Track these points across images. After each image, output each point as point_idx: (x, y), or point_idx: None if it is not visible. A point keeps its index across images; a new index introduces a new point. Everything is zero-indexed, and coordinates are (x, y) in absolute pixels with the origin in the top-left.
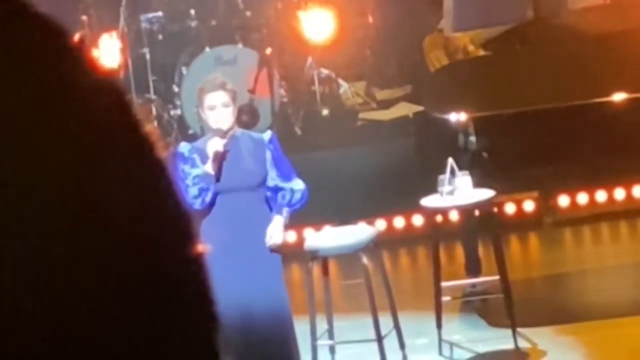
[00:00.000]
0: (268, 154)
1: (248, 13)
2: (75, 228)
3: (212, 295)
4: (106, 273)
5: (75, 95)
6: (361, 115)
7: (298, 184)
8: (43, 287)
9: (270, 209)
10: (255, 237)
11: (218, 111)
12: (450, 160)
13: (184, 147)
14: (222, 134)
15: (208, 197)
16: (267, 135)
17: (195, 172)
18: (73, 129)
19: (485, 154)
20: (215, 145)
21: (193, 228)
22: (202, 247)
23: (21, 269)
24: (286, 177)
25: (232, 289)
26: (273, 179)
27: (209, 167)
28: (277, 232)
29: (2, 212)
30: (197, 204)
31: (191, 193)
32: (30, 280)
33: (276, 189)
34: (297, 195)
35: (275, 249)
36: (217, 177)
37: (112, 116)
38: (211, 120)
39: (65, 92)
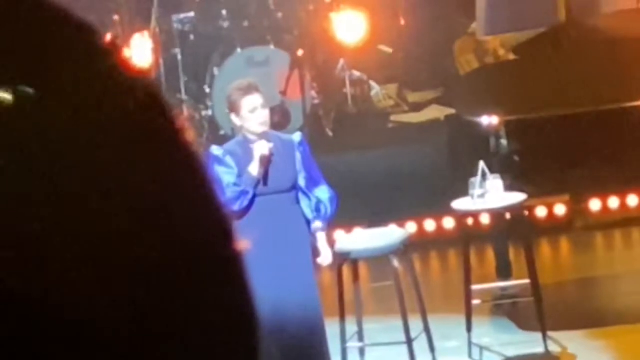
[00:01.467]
0: (298, 156)
1: (280, 14)
2: (117, 230)
3: (252, 295)
4: (148, 276)
5: (109, 94)
6: (392, 117)
7: (328, 193)
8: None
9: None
10: (289, 238)
11: (259, 113)
12: (482, 164)
13: (217, 150)
14: (265, 136)
15: (247, 201)
16: (297, 137)
17: (229, 177)
18: (109, 129)
19: (516, 157)
20: (262, 148)
21: (233, 228)
22: (242, 246)
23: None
24: (315, 182)
25: (267, 290)
26: (303, 181)
27: (253, 170)
28: (328, 250)
29: (49, 216)
30: (235, 207)
31: (229, 196)
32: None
33: (306, 194)
34: (331, 207)
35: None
36: (265, 181)
37: (148, 115)
38: (251, 123)
39: (99, 91)
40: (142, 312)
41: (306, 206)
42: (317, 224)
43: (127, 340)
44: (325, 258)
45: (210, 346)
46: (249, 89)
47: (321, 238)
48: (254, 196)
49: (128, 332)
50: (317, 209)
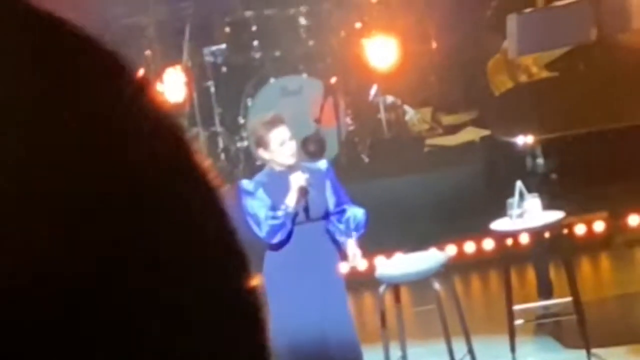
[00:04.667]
0: (328, 184)
1: (311, 42)
2: (132, 262)
3: (266, 328)
4: (160, 307)
5: (138, 133)
6: (428, 141)
7: (357, 209)
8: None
9: (331, 237)
10: (321, 266)
11: (287, 145)
12: (519, 183)
13: (247, 183)
14: (295, 167)
15: (285, 233)
16: (324, 165)
17: (264, 210)
18: (132, 167)
19: (553, 176)
20: (299, 180)
21: (248, 262)
22: (258, 280)
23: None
24: (345, 204)
25: (302, 317)
26: (333, 207)
27: (291, 202)
28: (358, 252)
29: (63, 240)
30: (274, 240)
31: (265, 229)
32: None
33: (338, 216)
34: (361, 219)
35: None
36: (305, 212)
37: (172, 154)
38: (281, 156)
39: (128, 128)
40: (156, 340)
41: (337, 230)
42: (351, 235)
43: None
44: (354, 258)
45: None
46: (274, 122)
47: (353, 243)
48: (292, 227)
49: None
50: (348, 227)
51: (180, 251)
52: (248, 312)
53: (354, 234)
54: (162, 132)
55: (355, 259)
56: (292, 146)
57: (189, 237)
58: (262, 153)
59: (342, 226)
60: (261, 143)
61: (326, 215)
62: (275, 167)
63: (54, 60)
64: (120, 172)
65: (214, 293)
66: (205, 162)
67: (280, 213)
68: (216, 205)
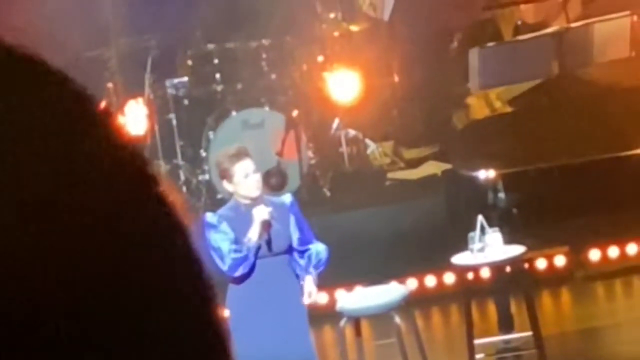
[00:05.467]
0: (292, 217)
1: (273, 76)
2: (95, 299)
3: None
4: (125, 341)
5: (100, 165)
6: (390, 174)
7: (320, 247)
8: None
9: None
10: (284, 300)
11: (252, 178)
12: (480, 217)
13: (211, 217)
14: (259, 200)
15: (248, 267)
16: (288, 198)
17: (227, 244)
18: (96, 199)
19: (514, 210)
20: (262, 213)
21: (214, 294)
22: (224, 312)
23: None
24: (308, 241)
25: (265, 351)
26: (296, 242)
27: (254, 235)
28: (314, 290)
29: (24, 280)
30: (237, 273)
31: (228, 262)
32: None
33: (300, 252)
34: (323, 256)
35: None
36: (269, 246)
37: (136, 187)
38: (244, 189)
39: (90, 161)
40: None
41: (298, 266)
42: (310, 272)
43: None
44: (309, 296)
45: None
46: (239, 155)
47: (311, 280)
48: (255, 261)
49: None
50: (309, 263)
51: (144, 282)
52: (215, 343)
53: (313, 270)
54: (126, 162)
55: (310, 297)
56: (256, 179)
57: (154, 267)
58: (226, 185)
59: (302, 262)
60: (225, 175)
61: (289, 250)
62: (240, 200)
63: (15, 91)
64: (81, 202)
65: (180, 324)
66: (170, 192)
67: (243, 247)
68: (182, 235)
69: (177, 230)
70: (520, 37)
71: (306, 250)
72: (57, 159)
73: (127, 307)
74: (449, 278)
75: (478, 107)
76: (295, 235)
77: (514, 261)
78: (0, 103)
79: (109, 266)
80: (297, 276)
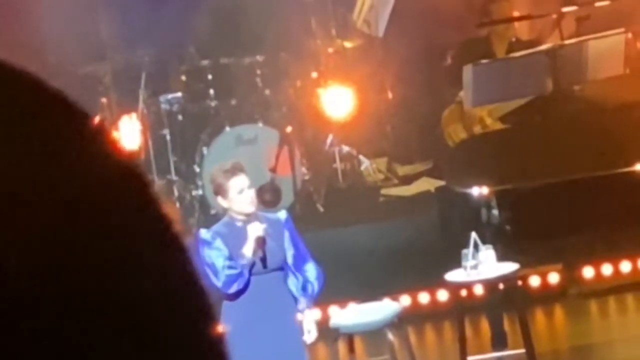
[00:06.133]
0: (286, 234)
1: (267, 92)
2: (96, 312)
3: None
4: (124, 354)
5: (96, 178)
6: (383, 191)
7: (315, 270)
8: None
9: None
10: (279, 317)
11: (246, 194)
12: (474, 235)
13: (205, 233)
14: (253, 216)
15: (242, 283)
16: (283, 215)
17: (221, 260)
18: (94, 212)
19: (508, 227)
20: (256, 230)
21: (214, 310)
22: (222, 327)
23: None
24: (303, 259)
25: None
26: (291, 259)
27: (248, 252)
28: (314, 327)
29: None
30: (231, 290)
31: (222, 279)
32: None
33: (294, 271)
34: (318, 285)
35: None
36: (264, 262)
37: (133, 199)
38: (240, 204)
39: (86, 174)
40: None
41: (293, 284)
42: (303, 303)
43: None
44: (311, 336)
45: None
46: (234, 171)
47: (307, 316)
48: (249, 277)
49: None
50: (304, 288)
51: (144, 298)
52: (215, 358)
53: (307, 301)
54: (123, 174)
55: (310, 335)
56: (250, 194)
57: (154, 281)
58: (220, 201)
59: (297, 281)
60: (220, 191)
61: (284, 266)
62: (234, 216)
63: (10, 106)
64: (81, 211)
65: (181, 339)
66: (165, 204)
67: (237, 263)
68: (179, 248)
69: (174, 240)
70: (514, 54)
71: (299, 273)
72: (50, 173)
73: (130, 322)
74: (443, 295)
75: (459, 130)
76: (289, 252)
77: (508, 278)
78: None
79: (106, 276)
80: (291, 292)
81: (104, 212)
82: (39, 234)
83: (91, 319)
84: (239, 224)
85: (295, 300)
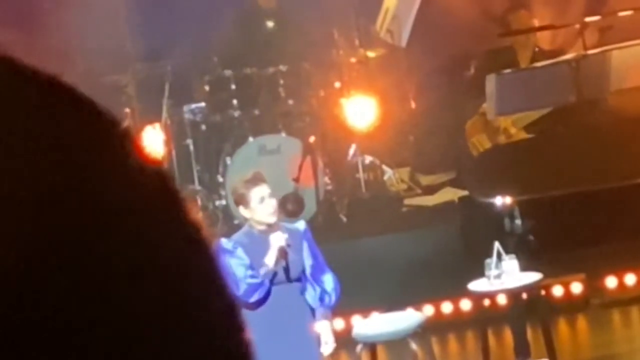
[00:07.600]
0: (305, 245)
1: (290, 102)
2: (126, 318)
3: None
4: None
5: (124, 183)
6: (406, 201)
7: (332, 282)
8: None
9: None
10: (297, 326)
11: (267, 203)
12: (497, 244)
13: (226, 242)
14: (275, 226)
15: (263, 293)
16: (302, 225)
17: (242, 269)
18: (124, 218)
19: (531, 237)
20: (279, 240)
21: (242, 318)
22: (251, 336)
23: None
24: (321, 270)
25: None
26: (309, 270)
27: (270, 261)
28: (331, 338)
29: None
30: (252, 299)
31: (243, 288)
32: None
33: (314, 285)
34: (335, 296)
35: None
36: (287, 273)
37: (162, 204)
38: (261, 214)
39: (114, 179)
40: None
41: (311, 296)
42: (321, 313)
43: None
44: (328, 347)
45: None
46: (255, 180)
47: (324, 327)
48: (270, 287)
49: None
50: (322, 299)
51: (173, 304)
52: None
53: (324, 312)
54: (152, 180)
55: (327, 346)
56: (272, 204)
57: (185, 288)
58: (242, 211)
59: (314, 293)
60: (241, 201)
61: (301, 277)
62: (255, 226)
63: (40, 108)
64: (109, 220)
65: (210, 349)
66: (195, 210)
67: (258, 272)
68: (209, 256)
69: (203, 246)
70: (537, 64)
71: (317, 284)
72: (78, 179)
73: (156, 328)
74: (466, 305)
75: (483, 140)
76: (308, 263)
77: (531, 288)
78: (35, 126)
79: (133, 283)
80: (308, 302)
81: (140, 218)
82: (85, 239)
83: (124, 327)
84: (261, 233)
85: (312, 310)
